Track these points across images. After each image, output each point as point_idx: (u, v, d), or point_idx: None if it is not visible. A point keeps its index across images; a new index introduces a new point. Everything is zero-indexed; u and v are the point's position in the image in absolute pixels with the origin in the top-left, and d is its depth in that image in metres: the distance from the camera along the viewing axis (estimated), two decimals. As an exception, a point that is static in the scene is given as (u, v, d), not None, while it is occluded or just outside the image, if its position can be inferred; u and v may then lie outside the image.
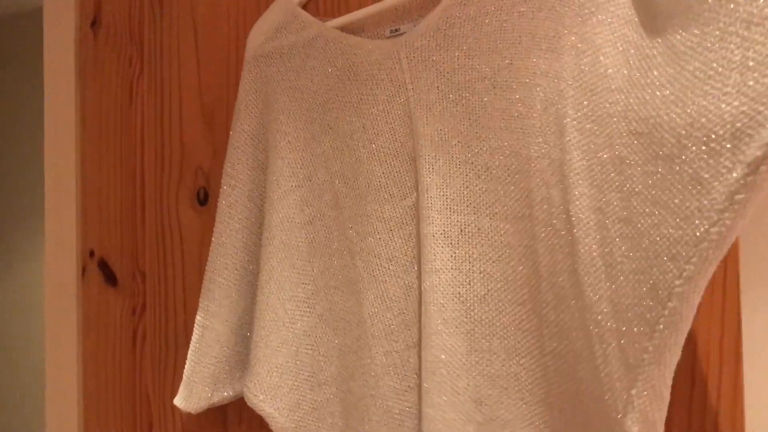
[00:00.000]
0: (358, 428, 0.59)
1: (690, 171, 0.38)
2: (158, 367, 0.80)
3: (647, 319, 0.40)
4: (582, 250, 0.45)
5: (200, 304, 0.67)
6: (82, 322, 0.87)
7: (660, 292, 0.39)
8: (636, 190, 0.42)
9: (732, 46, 0.37)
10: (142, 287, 0.81)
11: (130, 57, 0.84)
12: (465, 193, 0.54)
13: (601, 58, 0.46)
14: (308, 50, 0.64)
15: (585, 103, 0.47)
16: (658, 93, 0.41)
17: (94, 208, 0.86)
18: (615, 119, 0.44)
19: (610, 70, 0.46)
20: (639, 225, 0.41)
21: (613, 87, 0.45)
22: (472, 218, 0.54)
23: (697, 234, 0.37)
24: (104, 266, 0.85)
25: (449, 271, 0.54)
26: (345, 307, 0.61)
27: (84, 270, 0.87)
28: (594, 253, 0.44)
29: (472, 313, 0.53)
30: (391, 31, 0.63)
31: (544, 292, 0.50)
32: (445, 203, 0.55)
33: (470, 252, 0.54)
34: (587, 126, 0.46)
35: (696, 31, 0.40)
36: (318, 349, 0.62)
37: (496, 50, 0.53)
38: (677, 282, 0.38)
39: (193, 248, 0.78)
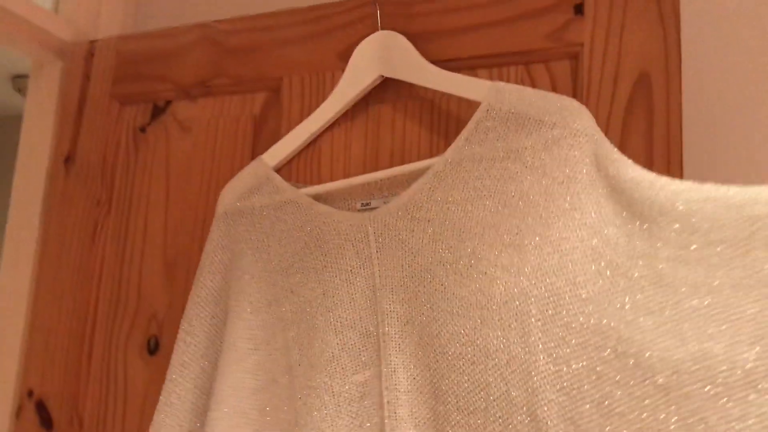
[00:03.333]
0: None
1: (691, 407, 0.38)
2: None
3: None
4: None
5: None
6: (8, 467, 0.82)
7: None
8: (618, 410, 0.42)
9: (749, 299, 0.39)
10: (79, 434, 0.78)
11: (98, 197, 0.86)
12: (427, 375, 0.54)
13: (569, 264, 0.47)
14: (279, 213, 0.65)
15: (551, 305, 0.47)
16: (645, 318, 0.42)
17: (40, 345, 0.84)
18: (588, 331, 0.45)
19: (579, 278, 0.46)
20: None
21: (583, 296, 0.46)
22: (433, 403, 0.53)
23: None
24: (41, 408, 0.82)
25: None
26: None
27: (20, 410, 0.83)
28: None
29: None
30: (362, 205, 0.65)
31: None
32: (413, 385, 0.54)
33: None
34: (554, 330, 0.46)
35: (701, 270, 0.41)
36: None
37: (459, 238, 0.54)
38: None
39: (136, 398, 0.76)
